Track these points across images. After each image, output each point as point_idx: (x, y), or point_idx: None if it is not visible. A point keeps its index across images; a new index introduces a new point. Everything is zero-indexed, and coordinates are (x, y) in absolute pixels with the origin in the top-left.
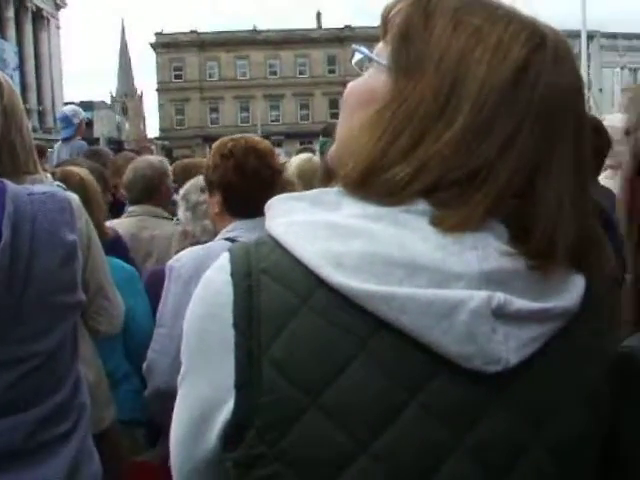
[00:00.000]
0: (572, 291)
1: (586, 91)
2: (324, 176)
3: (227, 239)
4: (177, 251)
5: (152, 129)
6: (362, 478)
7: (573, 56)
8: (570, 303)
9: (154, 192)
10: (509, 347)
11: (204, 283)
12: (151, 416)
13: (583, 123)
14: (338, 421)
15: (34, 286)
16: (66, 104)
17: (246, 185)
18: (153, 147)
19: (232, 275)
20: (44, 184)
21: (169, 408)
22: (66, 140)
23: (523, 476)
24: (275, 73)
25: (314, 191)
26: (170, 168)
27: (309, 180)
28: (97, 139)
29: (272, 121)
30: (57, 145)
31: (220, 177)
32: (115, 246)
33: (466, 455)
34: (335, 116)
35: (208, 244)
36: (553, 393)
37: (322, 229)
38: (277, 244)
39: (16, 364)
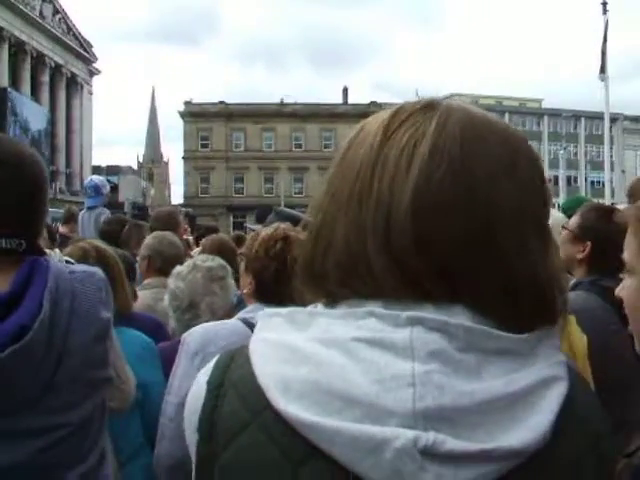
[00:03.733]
0: (534, 421)
1: (607, 173)
2: None
3: (242, 319)
4: None
5: (177, 196)
6: None
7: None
8: (522, 441)
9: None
10: None
11: (195, 381)
12: None
13: None
14: None
15: (68, 360)
16: (94, 168)
17: (278, 279)
18: None
19: (208, 383)
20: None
21: None
22: (91, 208)
23: None
24: (300, 146)
25: (291, 309)
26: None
27: None
28: (122, 203)
29: (296, 193)
30: (82, 212)
31: (258, 268)
32: (136, 318)
33: None
34: None
35: (222, 321)
36: None
37: (282, 350)
38: (249, 357)
39: (45, 433)
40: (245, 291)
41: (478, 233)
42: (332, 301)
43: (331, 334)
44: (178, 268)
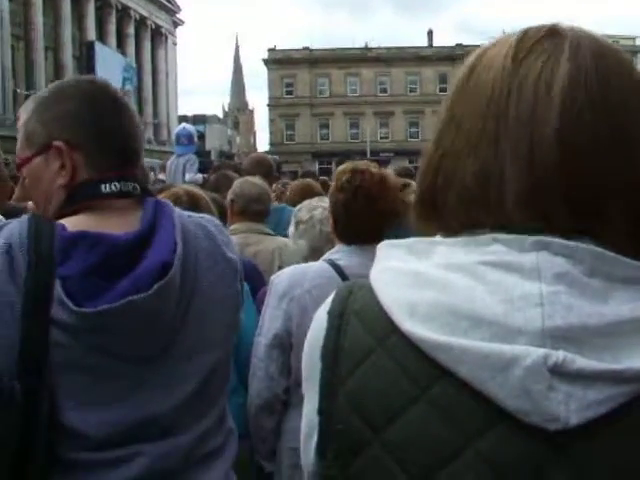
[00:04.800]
0: None
1: None
2: None
3: (328, 260)
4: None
5: (262, 143)
6: None
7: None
8: None
9: (267, 211)
10: (570, 407)
11: (315, 316)
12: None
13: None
14: (398, 457)
15: (198, 301)
16: (180, 117)
17: (354, 217)
18: None
19: (329, 313)
20: None
21: (263, 426)
22: (180, 155)
23: None
24: (385, 90)
25: (411, 240)
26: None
27: None
28: (209, 152)
29: (381, 138)
30: (172, 159)
31: (332, 203)
32: None
33: None
34: None
35: (308, 264)
36: (626, 463)
37: (406, 277)
38: (371, 288)
39: (178, 383)
40: (330, 230)
41: (620, 166)
42: (451, 233)
43: (455, 260)
44: (317, 213)
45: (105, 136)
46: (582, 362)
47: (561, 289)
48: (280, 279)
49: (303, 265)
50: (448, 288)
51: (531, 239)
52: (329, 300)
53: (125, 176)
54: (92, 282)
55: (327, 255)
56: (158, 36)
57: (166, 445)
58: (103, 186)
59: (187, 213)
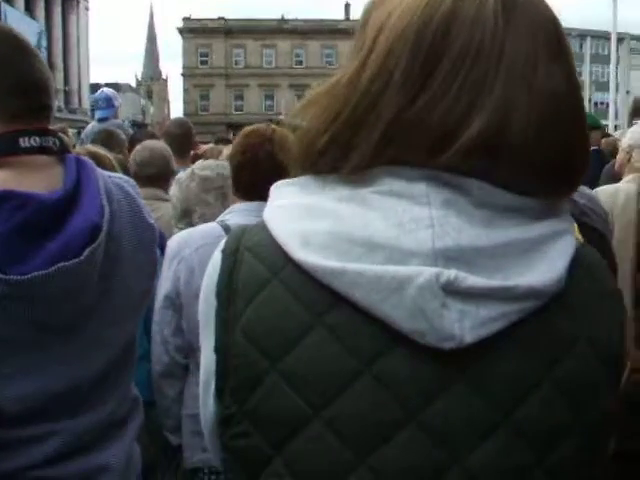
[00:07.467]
0: (549, 265)
1: (612, 94)
2: None
3: (219, 221)
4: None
5: (176, 113)
6: (315, 441)
7: None
8: (540, 282)
9: (164, 175)
10: (463, 325)
11: (210, 261)
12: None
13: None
14: (295, 386)
15: (120, 267)
16: (92, 85)
17: (250, 172)
18: None
19: (223, 252)
20: None
21: (165, 394)
22: (102, 120)
23: (486, 456)
24: (301, 63)
25: (304, 177)
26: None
27: None
28: (122, 121)
29: None
30: (91, 124)
31: (232, 161)
32: None
33: (418, 429)
34: None
35: (199, 226)
36: (520, 378)
37: (300, 210)
38: (264, 226)
39: (97, 353)
40: (232, 190)
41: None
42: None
43: (348, 192)
44: (179, 175)
45: (11, 78)
46: (473, 280)
47: (450, 213)
48: (170, 242)
49: (191, 229)
50: (342, 217)
51: (420, 171)
52: (222, 241)
53: (45, 130)
54: (17, 245)
55: (220, 217)
56: (69, 0)
57: (81, 422)
58: (22, 140)
59: (107, 173)
